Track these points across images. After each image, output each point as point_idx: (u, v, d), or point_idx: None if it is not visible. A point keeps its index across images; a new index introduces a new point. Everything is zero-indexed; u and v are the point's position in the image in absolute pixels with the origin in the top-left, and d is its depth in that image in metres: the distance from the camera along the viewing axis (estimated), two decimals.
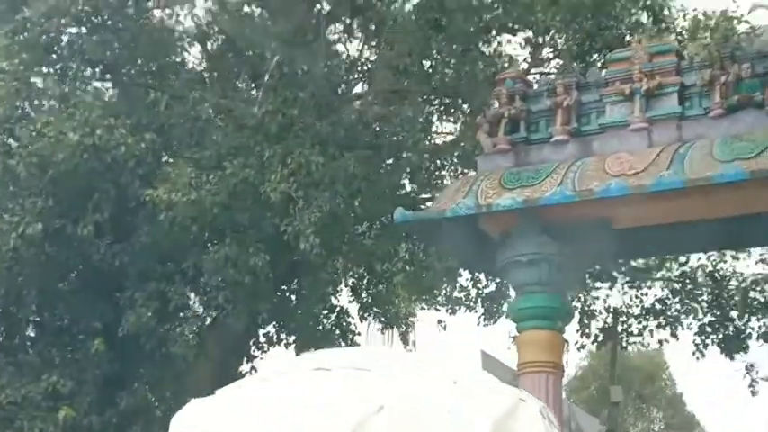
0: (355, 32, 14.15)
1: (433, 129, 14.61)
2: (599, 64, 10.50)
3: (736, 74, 7.77)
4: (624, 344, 16.32)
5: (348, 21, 13.92)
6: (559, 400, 8.02)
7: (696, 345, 14.88)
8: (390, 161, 13.20)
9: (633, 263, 15.45)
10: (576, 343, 15.50)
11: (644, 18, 12.31)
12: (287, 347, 14.07)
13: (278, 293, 12.28)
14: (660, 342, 15.77)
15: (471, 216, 8.19)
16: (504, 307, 14.74)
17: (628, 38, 12.30)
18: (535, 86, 9.13)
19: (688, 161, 7.33)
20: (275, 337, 13.35)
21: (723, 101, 7.73)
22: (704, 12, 8.44)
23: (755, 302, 14.74)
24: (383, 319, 15.99)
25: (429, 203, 12.56)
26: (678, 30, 12.17)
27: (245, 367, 13.14)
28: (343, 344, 13.80)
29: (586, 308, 15.48)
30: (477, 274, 15.10)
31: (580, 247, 8.10)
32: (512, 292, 8.86)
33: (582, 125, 8.40)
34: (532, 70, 13.65)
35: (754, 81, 7.72)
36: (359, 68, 14.16)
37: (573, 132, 8.34)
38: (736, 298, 14.64)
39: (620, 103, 8.25)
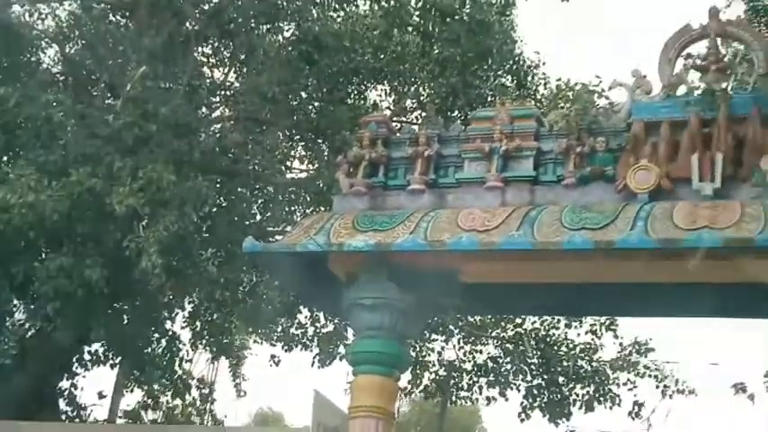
0: (223, 56, 13.98)
1: (292, 163, 14.56)
2: (458, 121, 10.68)
3: (592, 146, 8.02)
4: (454, 398, 16.52)
5: (217, 44, 13.75)
6: None
7: (523, 406, 15.22)
8: (245, 189, 13.02)
9: (470, 319, 15.75)
10: (406, 391, 15.60)
11: (508, 82, 12.73)
12: (112, 368, 13.56)
13: (111, 311, 11.83)
14: (488, 400, 16.04)
15: (321, 254, 8.11)
16: (341, 349, 14.73)
17: (490, 99, 12.69)
18: (398, 134, 9.18)
19: (538, 224, 7.48)
20: (102, 355, 12.84)
21: (576, 171, 7.95)
22: (567, 82, 8.71)
23: (582, 370, 15.25)
24: (215, 349, 15.66)
25: (278, 237, 12.42)
26: (539, 97, 12.59)
27: (64, 384, 12.56)
28: (170, 370, 13.42)
29: (420, 358, 15.62)
30: (316, 313, 15.02)
31: (425, 297, 8.13)
32: (350, 335, 8.78)
33: (439, 177, 8.47)
34: (394, 118, 13.81)
35: (608, 155, 7.97)
36: (222, 92, 13.98)
37: (430, 183, 8.41)
38: (565, 364, 15.09)
39: (478, 160, 8.37)
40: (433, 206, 8.21)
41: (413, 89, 14.26)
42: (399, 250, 7.74)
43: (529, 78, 13.09)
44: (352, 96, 14.01)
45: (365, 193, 8.52)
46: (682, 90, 8.24)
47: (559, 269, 7.70)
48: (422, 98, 13.83)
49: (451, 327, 15.52)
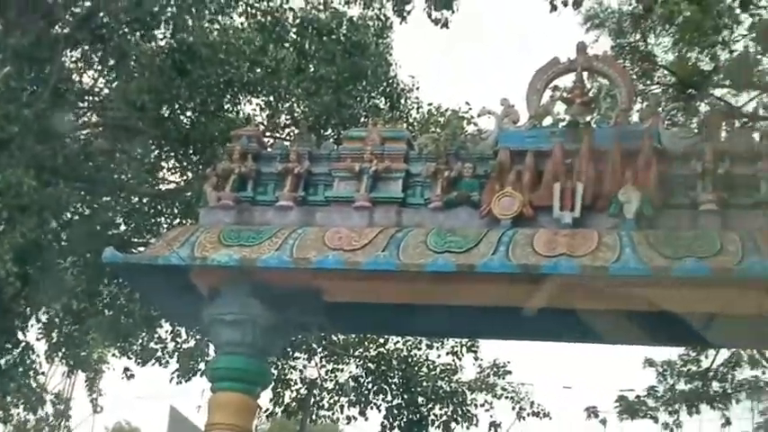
0: (93, 61, 13.59)
1: (160, 174, 14.24)
2: (331, 140, 10.67)
3: (459, 171, 8.14)
4: (314, 417, 16.43)
5: (87, 48, 13.36)
6: None
7: (383, 426, 15.26)
8: (109, 198, 12.65)
9: (333, 338, 15.72)
10: (267, 410, 15.42)
11: (381, 103, 12.80)
12: None
13: None
14: (348, 419, 16.02)
15: (184, 267, 7.93)
16: (201, 365, 14.44)
17: (363, 119, 12.74)
18: (270, 149, 9.09)
19: (403, 246, 7.52)
20: None
21: (443, 195, 8.05)
22: (438, 107, 8.84)
23: (441, 391, 15.41)
24: (71, 362, 15.12)
25: (141, 248, 12.11)
26: (411, 120, 12.72)
27: None
28: (23, 382, 12.89)
29: (282, 376, 15.48)
30: (177, 327, 14.69)
31: (288, 315, 8.05)
32: (211, 351, 8.61)
33: (309, 194, 8.43)
34: (267, 133, 13.72)
35: (474, 181, 8.10)
36: (91, 98, 13.58)
37: (299, 200, 8.36)
38: (425, 384, 15.22)
39: (348, 179, 8.37)
40: (300, 223, 8.15)
41: (287, 105, 14.21)
42: (264, 267, 7.65)
43: (402, 101, 13.22)
44: (225, 109, 13.83)
45: (232, 207, 8.39)
46: (548, 121, 8.47)
47: (423, 291, 7.75)
48: (296, 115, 13.80)
49: (314, 345, 15.46)
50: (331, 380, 15.96)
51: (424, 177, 8.25)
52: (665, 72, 14.55)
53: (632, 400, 17.86)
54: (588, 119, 8.29)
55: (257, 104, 14.49)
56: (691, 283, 7.11)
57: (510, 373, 16.33)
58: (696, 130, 8.55)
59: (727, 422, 17.99)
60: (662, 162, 7.88)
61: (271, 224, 8.19)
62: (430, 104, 8.47)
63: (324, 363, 16.12)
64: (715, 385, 18.52)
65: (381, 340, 15.72)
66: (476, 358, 16.16)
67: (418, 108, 13.57)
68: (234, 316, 7.89)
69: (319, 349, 15.67)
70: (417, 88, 13.89)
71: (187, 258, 7.81)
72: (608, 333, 7.96)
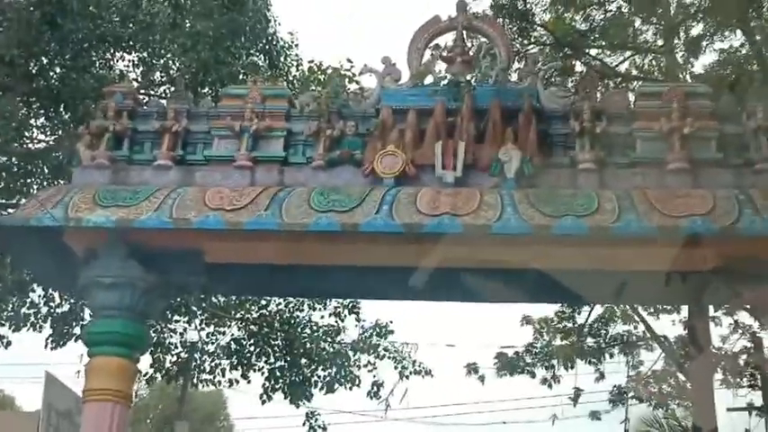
0: None
1: (29, 133, 13.71)
2: (209, 97, 10.46)
3: (341, 130, 8.13)
4: (195, 381, 16.27)
5: None
6: (124, 429, 7.68)
7: (265, 388, 15.22)
8: None
9: (214, 300, 15.56)
10: (146, 375, 15.17)
11: (260, 61, 12.60)
12: None
13: None
14: (231, 382, 15.93)
15: (57, 229, 7.69)
16: (77, 330, 14.08)
17: (241, 77, 12.55)
18: (145, 107, 8.86)
19: (286, 205, 7.47)
20: None
21: (325, 153, 8.03)
22: (319, 64, 8.76)
23: (324, 352, 15.47)
24: None
25: (11, 210, 11.68)
26: (290, 78, 12.59)
27: None
28: None
29: (162, 340, 15.25)
30: (50, 292, 14.27)
31: (168, 277, 7.92)
32: (87, 316, 8.39)
33: (187, 153, 8.28)
34: (141, 91, 13.37)
35: (357, 140, 8.10)
36: None
37: (177, 159, 8.20)
38: (308, 346, 15.24)
39: (227, 138, 8.26)
40: (180, 183, 8.01)
41: (162, 62, 13.85)
42: (142, 227, 7.50)
43: (282, 59, 13.05)
44: (97, 65, 13.39)
45: (108, 166, 8.18)
46: (429, 80, 8.52)
47: (306, 251, 7.75)
48: (171, 72, 13.47)
49: (194, 308, 15.26)
50: (212, 343, 15.82)
51: (306, 136, 8.20)
52: (543, 32, 14.82)
53: (511, 356, 18.34)
54: (469, 78, 8.37)
55: (130, 61, 14.09)
56: (569, 242, 7.32)
57: (392, 333, 16.55)
58: (573, 90, 8.71)
59: (602, 376, 18.67)
60: (541, 121, 8.05)
61: (148, 184, 8.02)
62: (311, 62, 8.40)
63: (204, 326, 15.95)
64: (589, 341, 19.16)
65: (263, 302, 15.64)
66: (358, 319, 16.30)
67: (298, 66, 13.46)
68: (112, 279, 7.73)
69: (199, 312, 15.48)
70: (296, 45, 13.80)
71: (61, 219, 7.58)
72: (490, 292, 8.12)
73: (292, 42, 13.58)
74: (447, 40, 8.93)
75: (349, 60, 8.34)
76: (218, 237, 7.70)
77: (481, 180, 7.77)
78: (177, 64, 13.17)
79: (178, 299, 12.75)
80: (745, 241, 7.16)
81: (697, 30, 15.74)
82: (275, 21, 13.31)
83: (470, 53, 8.62)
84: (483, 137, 8.00)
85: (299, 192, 7.67)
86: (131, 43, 13.35)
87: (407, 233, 7.22)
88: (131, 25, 13.10)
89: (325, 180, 7.90)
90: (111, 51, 13.75)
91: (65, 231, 7.80)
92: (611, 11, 13.90)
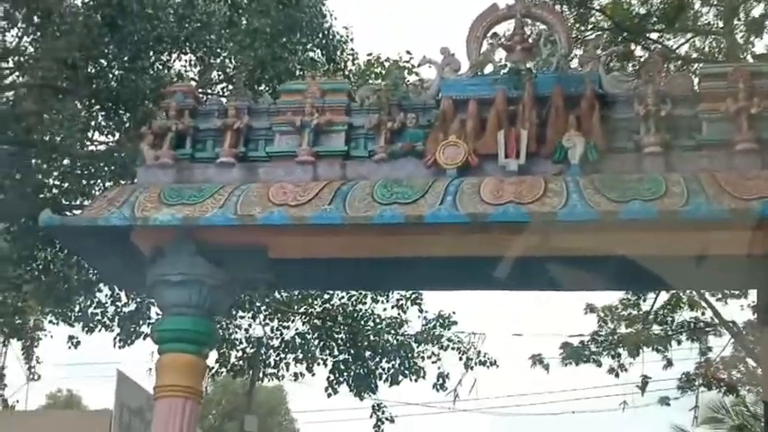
0: (16, 19, 13.21)
1: (91, 134, 13.96)
2: (267, 94, 10.53)
3: (402, 122, 8.13)
4: (261, 375, 16.44)
5: (8, 6, 12.97)
6: (194, 425, 7.80)
7: (329, 382, 15.30)
8: (40, 160, 12.38)
9: (277, 295, 15.69)
10: (212, 370, 15.36)
11: (317, 56, 12.65)
12: None
13: None
14: (296, 376, 16.05)
15: (124, 228, 7.82)
16: (144, 328, 14.32)
17: (299, 72, 12.62)
18: (206, 105, 8.96)
19: (350, 199, 7.50)
20: None
21: (387, 146, 8.04)
22: (377, 57, 8.77)
23: (388, 345, 15.51)
24: (6, 330, 14.88)
25: (76, 211, 11.90)
26: (347, 73, 12.62)
27: None
28: None
29: (227, 336, 15.44)
30: (117, 291, 14.53)
31: (234, 273, 8.01)
32: (154, 314, 8.52)
33: (249, 150, 8.34)
34: (199, 90, 13.51)
35: (418, 131, 8.10)
36: (16, 58, 13.22)
37: (240, 156, 8.27)
38: (372, 338, 15.29)
39: (288, 134, 8.30)
40: (243, 180, 8.08)
41: (219, 60, 14.00)
42: (208, 225, 7.58)
43: (338, 53, 13.10)
44: (155, 66, 13.57)
45: (171, 165, 8.28)
46: (489, 69, 8.48)
47: (370, 243, 7.77)
48: (228, 70, 13.60)
49: (258, 303, 15.41)
50: (276, 337, 15.95)
51: (367, 129, 8.21)
52: (601, 17, 14.65)
53: (576, 345, 18.21)
54: (529, 65, 8.32)
55: (187, 60, 14.27)
56: (637, 227, 7.24)
57: (456, 323, 16.52)
58: (636, 74, 8.60)
59: (669, 363, 18.46)
60: (604, 106, 7.96)
61: (212, 182, 8.10)
62: (369, 55, 8.37)
63: (268, 321, 16.09)
64: (656, 328, 18.96)
65: (326, 296, 15.73)
66: (420, 311, 16.31)
67: (354, 60, 13.50)
68: (180, 276, 7.83)
69: (263, 307, 15.63)
70: (352, 39, 13.84)
71: (129, 219, 7.70)
72: (557, 280, 8.05)
73: (348, 37, 13.66)
74: (505, 28, 8.94)
75: (408, 52, 8.35)
76: (282, 232, 7.75)
77: (545, 167, 7.71)
78: (234, 62, 13.29)
79: (243, 295, 12.87)
80: None
81: (758, 10, 15.46)
82: (331, 15, 13.36)
83: (530, 41, 8.55)
84: (545, 124, 7.94)
85: (362, 185, 7.69)
86: (188, 43, 13.50)
87: (472, 223, 7.20)
88: (188, 25, 13.24)
89: (387, 173, 7.91)
90: (169, 52, 13.92)
91: (132, 230, 7.92)
92: None
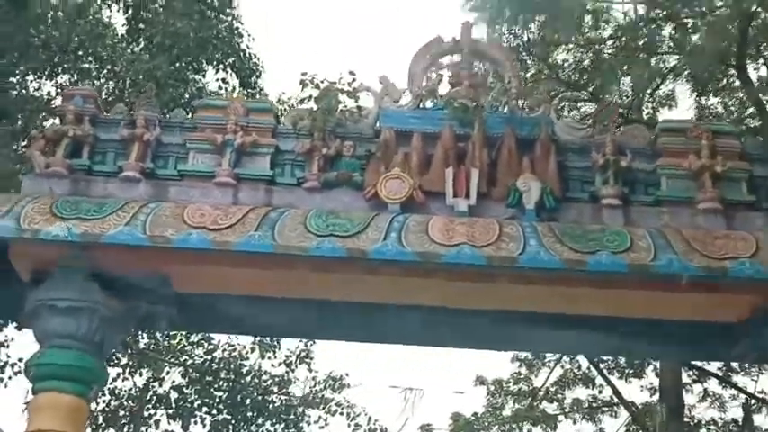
0: None
1: None
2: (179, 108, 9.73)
3: (338, 149, 7.54)
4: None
5: None
6: None
7: None
8: None
9: (145, 341, 14.65)
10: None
11: (230, 78, 11.93)
12: None
13: None
14: None
15: (3, 243, 6.88)
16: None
17: (210, 93, 11.88)
18: (110, 113, 8.14)
19: (279, 227, 6.80)
20: None
21: (320, 174, 7.42)
22: (311, 78, 8.14)
23: (272, 405, 14.65)
24: None
25: None
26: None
27: None
28: None
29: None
30: None
31: (133, 304, 7.14)
32: (34, 345, 7.50)
33: (158, 167, 7.58)
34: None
35: (354, 161, 7.53)
36: None
37: (147, 172, 7.49)
38: (254, 398, 14.40)
39: (206, 152, 7.60)
40: (150, 198, 7.28)
41: (113, 74, 13.03)
42: (113, 243, 6.72)
43: (254, 78, 12.38)
44: (38, 73, 12.56)
45: (65, 175, 7.42)
46: (431, 103, 8.02)
47: (298, 280, 7.07)
48: (123, 87, 12.66)
49: (125, 349, 14.28)
50: (151, 390, 14.80)
51: (297, 155, 7.59)
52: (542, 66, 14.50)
53: (469, 418, 17.75)
54: (477, 103, 7.89)
55: (76, 70, 13.20)
56: (595, 282, 6.81)
57: (347, 386, 15.77)
58: (589, 123, 8.28)
59: None
60: (559, 153, 7.59)
61: (113, 198, 7.27)
62: (304, 74, 7.67)
63: (136, 371, 14.91)
64: (546, 406, 18.71)
65: (210, 346, 14.80)
66: (309, 370, 15.51)
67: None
68: (68, 302, 6.90)
69: (130, 353, 14.45)
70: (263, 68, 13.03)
71: (12, 231, 6.77)
72: (507, 337, 7.57)
73: (259, 66, 12.83)
74: (450, 61, 8.52)
75: (351, 73, 7.76)
76: (192, 260, 6.97)
77: (496, 211, 7.23)
78: (130, 79, 12.35)
79: (142, 330, 11.84)
80: None
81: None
82: (248, 35, 12.63)
83: (478, 76, 8.15)
84: (496, 165, 7.50)
85: (293, 214, 7.00)
86: (79, 53, 12.53)
87: (421, 263, 6.59)
88: (89, 42, 12.27)
89: (320, 202, 7.27)
90: (52, 61, 12.89)
91: (8, 246, 6.99)
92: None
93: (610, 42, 13.00)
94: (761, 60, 12.93)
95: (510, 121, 7.71)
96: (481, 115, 7.69)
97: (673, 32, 13.40)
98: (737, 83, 14.24)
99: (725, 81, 14.40)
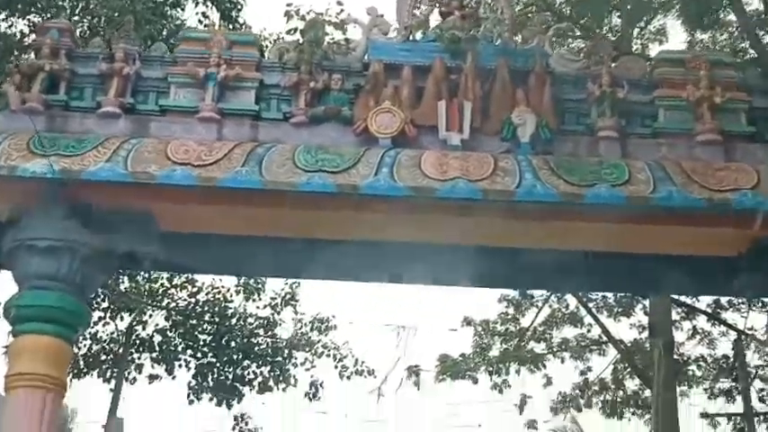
0: None
1: None
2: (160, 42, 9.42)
3: (326, 83, 7.34)
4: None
5: None
6: (55, 423, 6.66)
7: (191, 387, 14.17)
8: None
9: (128, 283, 14.46)
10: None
11: (210, 12, 11.62)
12: None
13: None
14: (151, 377, 14.81)
15: None
16: None
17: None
18: (87, 47, 7.88)
19: (266, 163, 6.61)
20: None
21: (307, 108, 7.22)
22: (296, 10, 7.87)
23: (258, 348, 14.54)
24: None
25: None
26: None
27: None
28: None
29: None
30: None
31: (116, 243, 6.94)
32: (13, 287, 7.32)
33: (138, 102, 7.36)
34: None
35: (343, 95, 7.33)
36: None
37: (127, 108, 7.26)
38: (240, 340, 14.28)
39: (188, 86, 7.39)
40: (131, 134, 7.07)
41: (86, 16, 12.66)
42: (94, 179, 6.53)
43: (236, 11, 12.05)
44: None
45: (41, 111, 7.20)
46: (422, 35, 7.80)
47: (287, 218, 6.90)
48: (100, 30, 12.27)
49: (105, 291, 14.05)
50: (132, 333, 14.63)
51: (283, 89, 7.39)
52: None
53: (456, 359, 17.72)
54: (469, 33, 7.67)
55: (49, 9, 12.83)
56: (594, 216, 6.68)
57: (334, 328, 15.69)
58: (584, 54, 8.09)
59: (549, 382, 18.17)
60: (554, 85, 7.41)
61: (92, 133, 7.05)
62: (289, 5, 7.36)
63: (117, 314, 14.73)
64: (534, 345, 18.73)
65: (194, 289, 14.63)
66: (295, 312, 15.40)
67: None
68: (47, 242, 6.71)
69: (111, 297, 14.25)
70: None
71: None
72: (507, 275, 7.45)
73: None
74: None
75: (339, 3, 7.50)
76: (178, 198, 6.77)
77: (490, 144, 7.07)
78: (106, 15, 11.98)
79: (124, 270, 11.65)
80: None
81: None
82: None
83: (469, 7, 7.93)
84: (489, 98, 7.32)
85: (281, 149, 6.82)
86: None
87: (415, 197, 6.43)
88: None
89: (307, 138, 7.07)
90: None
91: None
92: None
93: None
94: None
95: (503, 53, 7.52)
96: (474, 46, 7.49)
97: None
98: (730, 17, 14.06)
99: (717, 14, 14.16)
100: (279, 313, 15.28)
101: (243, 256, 7.57)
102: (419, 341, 16.23)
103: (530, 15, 11.61)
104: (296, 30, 7.71)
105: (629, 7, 13.09)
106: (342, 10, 7.59)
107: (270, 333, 15.10)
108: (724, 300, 17.36)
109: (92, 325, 14.59)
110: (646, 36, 16.67)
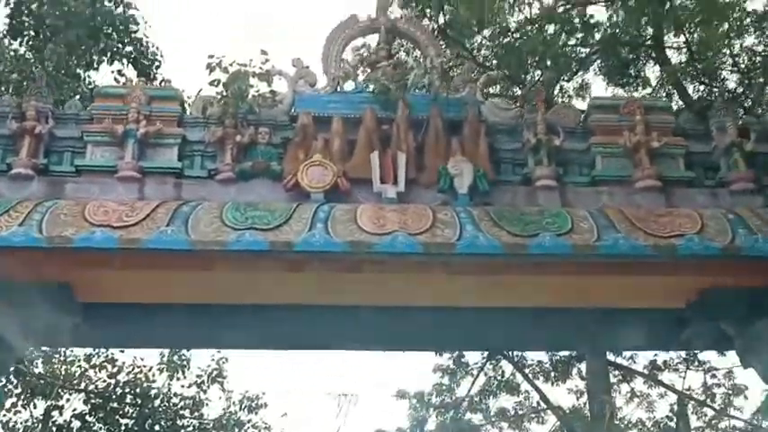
0: None
1: None
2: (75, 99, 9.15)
3: (252, 137, 7.18)
4: None
5: None
6: None
7: None
8: None
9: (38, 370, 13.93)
10: None
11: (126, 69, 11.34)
12: None
13: None
14: None
15: None
16: None
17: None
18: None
19: (194, 221, 6.37)
20: None
21: (234, 164, 7.04)
22: (219, 61, 7.69)
23: (184, 431, 14.06)
24: None
25: None
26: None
27: None
28: None
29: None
30: None
31: (32, 317, 6.60)
32: None
33: (52, 163, 7.10)
34: None
35: (271, 149, 7.18)
36: None
37: (40, 169, 6.99)
38: (164, 423, 13.80)
39: (105, 145, 7.19)
40: (45, 197, 6.79)
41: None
42: (6, 245, 6.21)
43: (154, 68, 11.80)
44: None
45: None
46: (351, 86, 7.73)
47: (217, 282, 6.66)
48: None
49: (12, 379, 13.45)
50: (49, 420, 13.97)
51: (207, 144, 7.21)
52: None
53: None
54: (399, 83, 7.60)
55: None
56: (537, 269, 6.57)
57: (264, 406, 15.23)
58: (517, 103, 8.09)
59: None
60: (488, 134, 7.37)
61: (3, 197, 6.75)
62: (211, 57, 7.19)
63: (31, 401, 14.09)
64: (471, 416, 18.51)
65: (114, 369, 14.10)
66: (223, 389, 14.92)
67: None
68: None
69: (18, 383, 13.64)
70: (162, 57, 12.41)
71: None
72: (445, 337, 7.28)
73: (161, 56, 12.22)
74: (367, 42, 8.24)
75: (264, 52, 7.34)
76: (96, 263, 6.48)
77: (426, 196, 6.95)
78: (15, 79, 11.63)
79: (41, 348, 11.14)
80: (735, 266, 6.61)
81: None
82: (145, 22, 12.03)
83: (398, 57, 7.91)
84: (423, 149, 7.24)
85: (208, 207, 6.60)
86: None
87: (354, 253, 6.24)
88: None
89: (235, 195, 6.89)
90: None
91: None
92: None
93: (527, 28, 12.83)
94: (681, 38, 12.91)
95: (435, 102, 7.47)
96: (404, 96, 7.43)
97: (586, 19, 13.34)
98: (651, 70, 14.27)
99: (638, 68, 14.39)
100: (205, 392, 14.83)
101: (168, 326, 7.30)
102: (360, 409, 15.87)
103: (455, 66, 11.64)
104: (219, 82, 7.53)
105: (548, 63, 13.22)
106: (266, 60, 7.44)
107: (196, 414, 14.61)
108: (660, 360, 17.44)
109: (3, 413, 13.99)
110: (567, 93, 16.88)
